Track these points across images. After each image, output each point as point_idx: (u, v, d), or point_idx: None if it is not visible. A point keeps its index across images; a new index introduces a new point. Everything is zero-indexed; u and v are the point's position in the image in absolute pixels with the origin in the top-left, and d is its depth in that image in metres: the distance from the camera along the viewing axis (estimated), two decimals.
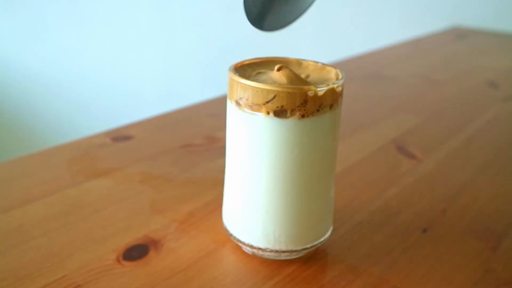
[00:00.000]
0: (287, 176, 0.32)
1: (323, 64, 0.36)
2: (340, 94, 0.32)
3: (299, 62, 0.36)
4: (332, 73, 0.34)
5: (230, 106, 0.33)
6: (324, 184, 0.34)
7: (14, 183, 0.44)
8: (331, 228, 0.37)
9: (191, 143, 0.54)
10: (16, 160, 0.49)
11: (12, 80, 2.14)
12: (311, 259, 0.35)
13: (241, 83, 0.31)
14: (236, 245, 0.36)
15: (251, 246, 0.34)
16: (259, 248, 0.34)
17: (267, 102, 0.30)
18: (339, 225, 0.39)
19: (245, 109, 0.32)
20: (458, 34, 1.17)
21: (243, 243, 0.35)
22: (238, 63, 0.35)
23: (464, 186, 0.47)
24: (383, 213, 0.42)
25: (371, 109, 0.68)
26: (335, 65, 0.35)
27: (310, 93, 0.30)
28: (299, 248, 0.34)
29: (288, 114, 0.31)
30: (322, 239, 0.35)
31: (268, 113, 0.31)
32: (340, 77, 0.33)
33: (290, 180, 0.32)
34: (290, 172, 0.32)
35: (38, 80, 2.07)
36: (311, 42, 1.40)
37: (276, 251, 0.34)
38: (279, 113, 0.31)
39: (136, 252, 0.35)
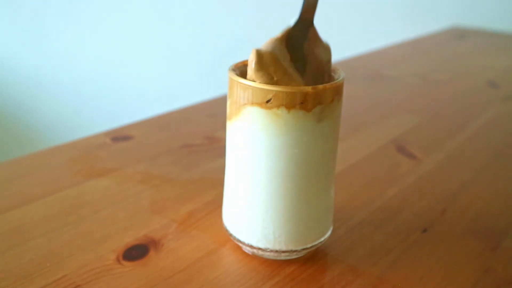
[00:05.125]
0: (287, 176, 0.32)
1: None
2: (340, 94, 0.32)
3: None
4: (332, 72, 0.34)
5: (230, 104, 0.33)
6: (324, 184, 0.34)
7: (14, 183, 0.44)
8: (331, 228, 0.37)
9: (191, 143, 0.54)
10: (16, 160, 0.49)
11: (11, 80, 2.15)
12: (311, 259, 0.35)
13: (241, 83, 0.31)
14: (236, 245, 0.36)
15: (251, 246, 0.34)
16: (259, 248, 0.34)
17: (266, 102, 0.30)
18: (339, 225, 0.39)
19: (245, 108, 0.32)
20: (458, 34, 1.17)
21: (243, 243, 0.35)
22: (238, 63, 0.35)
23: (464, 186, 0.47)
24: (383, 213, 0.42)
25: (371, 109, 0.68)
26: (335, 65, 0.35)
27: (310, 93, 0.30)
28: (299, 248, 0.34)
29: (288, 113, 0.31)
30: (322, 239, 0.35)
31: (267, 113, 0.31)
32: (340, 76, 0.33)
33: (290, 180, 0.32)
34: (290, 172, 0.32)
35: (38, 80, 2.07)
36: None
37: (276, 251, 0.34)
38: (279, 112, 0.31)
39: (136, 252, 0.35)
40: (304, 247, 0.34)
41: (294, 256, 0.35)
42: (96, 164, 0.48)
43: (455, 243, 0.38)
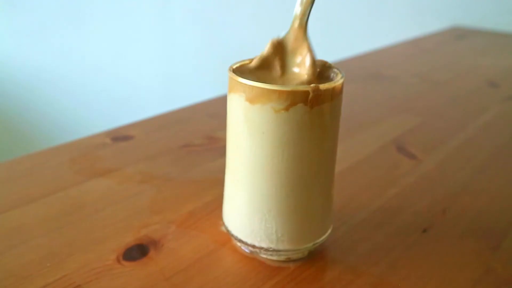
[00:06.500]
0: (288, 176, 0.32)
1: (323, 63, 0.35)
2: (340, 93, 0.33)
3: None
4: (332, 72, 0.34)
5: (231, 102, 0.33)
6: (325, 182, 0.34)
7: (14, 183, 0.44)
8: (331, 228, 0.37)
9: (191, 143, 0.54)
10: (16, 160, 0.49)
11: (11, 80, 2.14)
12: (311, 259, 0.35)
13: (241, 83, 0.31)
14: (236, 245, 0.36)
15: (253, 246, 0.34)
16: (261, 248, 0.34)
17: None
18: (339, 225, 0.39)
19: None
20: (458, 34, 1.17)
21: (245, 243, 0.35)
22: (238, 63, 0.35)
23: (464, 186, 0.47)
24: (383, 213, 0.42)
25: (371, 109, 0.68)
26: (335, 65, 0.35)
27: (310, 92, 0.30)
28: (300, 247, 0.34)
29: (288, 113, 0.31)
30: (323, 238, 0.35)
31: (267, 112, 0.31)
32: (340, 76, 0.33)
33: (291, 179, 0.32)
34: (292, 170, 0.32)
35: (38, 80, 2.07)
36: (312, 42, 1.40)
37: (278, 251, 0.34)
38: (279, 112, 0.31)
39: (136, 252, 0.35)
40: (305, 246, 0.34)
41: (294, 255, 0.35)
42: (96, 164, 0.48)
43: (455, 243, 0.38)
